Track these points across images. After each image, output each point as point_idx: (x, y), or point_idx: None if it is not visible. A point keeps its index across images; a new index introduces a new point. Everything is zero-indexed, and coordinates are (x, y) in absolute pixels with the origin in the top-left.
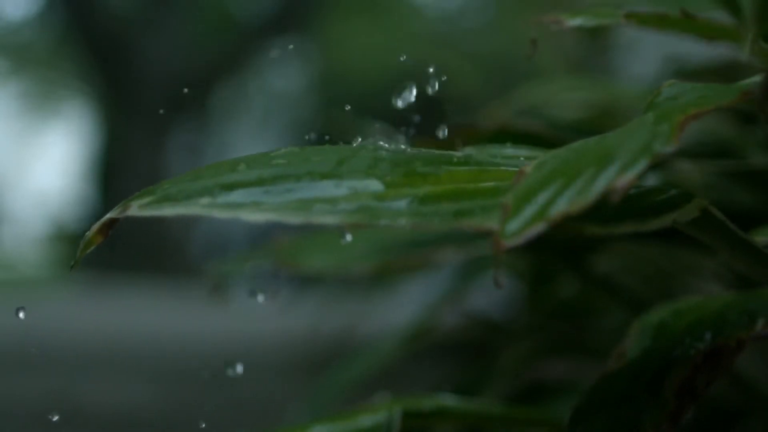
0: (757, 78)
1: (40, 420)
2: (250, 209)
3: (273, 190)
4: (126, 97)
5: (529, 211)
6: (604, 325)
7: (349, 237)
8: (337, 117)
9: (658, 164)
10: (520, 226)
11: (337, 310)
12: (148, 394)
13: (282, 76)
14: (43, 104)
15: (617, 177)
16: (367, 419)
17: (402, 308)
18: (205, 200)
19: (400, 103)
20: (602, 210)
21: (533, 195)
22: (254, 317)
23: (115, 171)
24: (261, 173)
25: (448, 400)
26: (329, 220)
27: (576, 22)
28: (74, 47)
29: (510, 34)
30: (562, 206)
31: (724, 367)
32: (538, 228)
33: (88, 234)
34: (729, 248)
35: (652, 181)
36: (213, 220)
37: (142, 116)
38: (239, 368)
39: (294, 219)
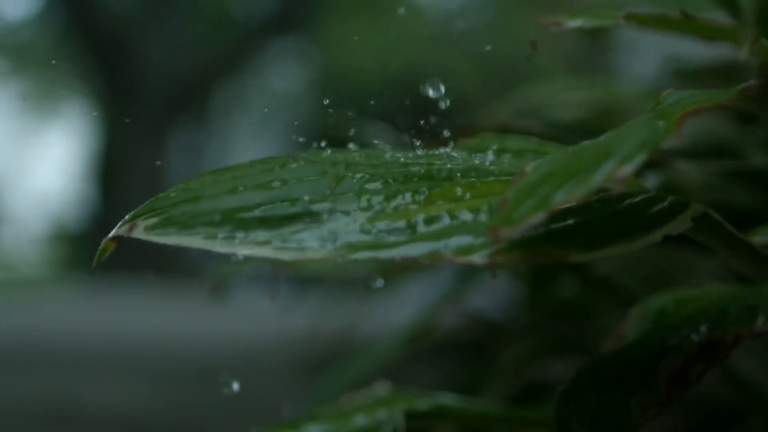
0: (756, 77)
1: (40, 420)
2: (247, 246)
3: (269, 216)
4: (126, 97)
5: (528, 203)
6: (603, 326)
7: (380, 283)
8: (337, 117)
9: (658, 165)
10: (519, 216)
11: (336, 311)
12: (148, 394)
13: (282, 76)
14: (43, 104)
15: (616, 169)
16: (362, 419)
17: (402, 308)
18: (205, 232)
19: (431, 92)
20: (587, 232)
21: (533, 190)
22: (254, 318)
23: (115, 171)
24: (258, 197)
25: (446, 399)
26: (319, 255)
27: (576, 23)
28: (74, 47)
29: (510, 34)
30: (561, 196)
31: (718, 360)
32: (537, 217)
33: (100, 247)
34: (727, 249)
35: (652, 182)
36: None
37: (142, 116)
38: (235, 386)
39: (286, 256)
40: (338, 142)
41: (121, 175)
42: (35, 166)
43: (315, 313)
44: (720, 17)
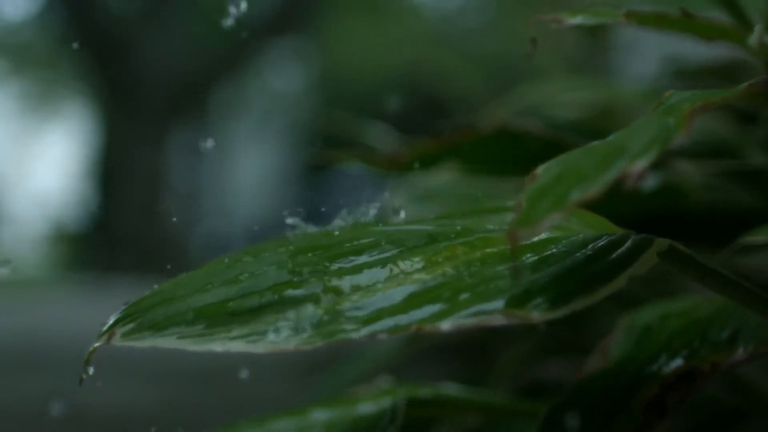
0: (762, 75)
1: (40, 420)
2: (220, 343)
3: (239, 310)
4: (126, 97)
5: (544, 203)
6: (603, 327)
7: None
8: (337, 117)
9: (658, 165)
10: (536, 216)
11: None
12: (148, 394)
13: (282, 76)
14: (42, 104)
15: (630, 165)
16: (367, 406)
17: None
18: (179, 332)
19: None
20: (548, 290)
21: (548, 190)
22: None
23: (115, 171)
24: (228, 292)
25: (449, 390)
26: (288, 346)
27: (576, 21)
28: (74, 47)
29: (510, 34)
30: (577, 194)
31: (696, 388)
32: (554, 218)
33: (87, 354)
34: (699, 279)
35: (652, 181)
36: (213, 219)
37: (142, 116)
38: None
39: (259, 349)
40: (338, 143)
41: (121, 175)
42: (35, 166)
43: None
44: (720, 17)
